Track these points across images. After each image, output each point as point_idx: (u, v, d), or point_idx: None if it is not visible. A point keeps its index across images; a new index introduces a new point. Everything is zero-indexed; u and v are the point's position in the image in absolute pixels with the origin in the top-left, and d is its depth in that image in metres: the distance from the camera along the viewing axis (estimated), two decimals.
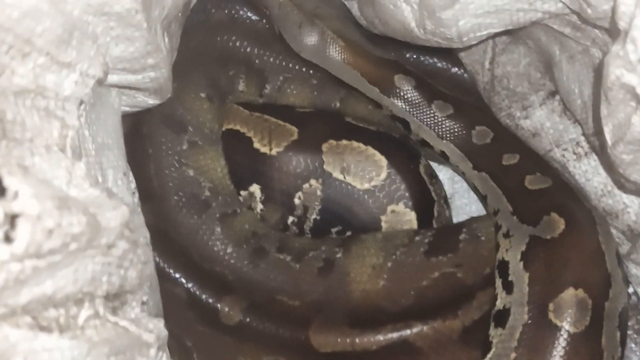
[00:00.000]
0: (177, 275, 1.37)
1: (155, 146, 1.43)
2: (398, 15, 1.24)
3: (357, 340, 1.28)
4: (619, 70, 0.92)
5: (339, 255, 1.38)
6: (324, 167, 1.45)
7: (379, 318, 1.29)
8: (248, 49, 1.50)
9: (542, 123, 1.37)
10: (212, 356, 1.36)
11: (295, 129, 1.48)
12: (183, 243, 1.40)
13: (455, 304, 1.28)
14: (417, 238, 1.37)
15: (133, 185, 1.18)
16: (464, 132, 1.38)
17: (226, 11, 1.50)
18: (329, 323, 1.30)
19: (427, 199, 1.47)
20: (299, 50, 1.41)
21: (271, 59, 1.51)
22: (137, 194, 1.20)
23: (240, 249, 1.40)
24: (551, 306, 1.17)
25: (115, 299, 0.92)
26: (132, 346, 0.89)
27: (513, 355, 1.18)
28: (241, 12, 1.50)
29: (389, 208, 1.44)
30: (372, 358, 1.27)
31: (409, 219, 1.44)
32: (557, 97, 1.34)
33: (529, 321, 1.18)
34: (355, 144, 1.46)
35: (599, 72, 1.13)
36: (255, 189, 1.48)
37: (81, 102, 0.89)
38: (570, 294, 1.17)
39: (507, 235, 1.27)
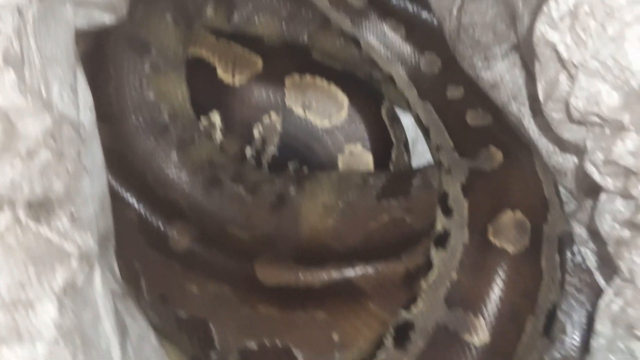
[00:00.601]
0: (130, 198, 1.37)
1: (117, 67, 1.41)
2: None
3: (301, 276, 1.30)
4: (543, 26, 0.93)
5: (292, 191, 1.39)
6: (285, 100, 1.45)
7: (325, 257, 1.30)
8: None
9: (502, 75, 1.36)
10: (159, 280, 1.37)
11: (260, 60, 1.47)
12: (138, 166, 1.40)
13: (400, 249, 1.29)
14: (371, 180, 1.38)
15: (86, 102, 1.17)
16: (413, 56, 1.38)
17: None
18: (275, 257, 1.32)
19: (385, 142, 1.47)
20: None
21: None
22: (92, 113, 1.19)
23: (195, 177, 1.41)
24: (490, 228, 1.20)
25: (41, 208, 0.91)
26: (52, 255, 0.89)
27: (454, 274, 1.21)
28: None
29: (347, 148, 1.45)
30: (314, 295, 1.29)
31: (366, 160, 1.45)
32: (520, 51, 1.34)
33: (469, 242, 1.22)
34: (319, 80, 1.46)
35: None
36: (215, 117, 1.48)
37: (19, 11, 0.88)
38: (508, 216, 1.20)
39: (448, 172, 1.30)
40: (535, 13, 1.20)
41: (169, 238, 1.36)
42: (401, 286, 1.28)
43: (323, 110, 1.44)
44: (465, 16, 1.37)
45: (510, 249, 1.19)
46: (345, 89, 1.45)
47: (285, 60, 1.48)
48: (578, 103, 0.97)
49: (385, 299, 1.28)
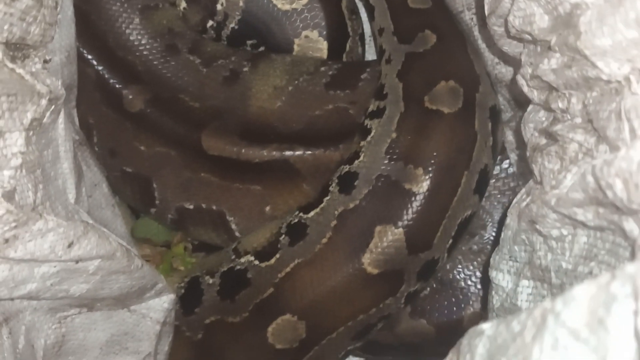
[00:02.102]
0: (90, 57, 1.42)
1: None
2: None
3: (243, 150, 1.37)
4: None
5: (245, 68, 1.44)
6: None
7: (267, 135, 1.37)
8: None
9: None
10: (109, 136, 1.44)
11: None
12: (102, 27, 1.44)
13: (339, 137, 1.37)
14: (322, 69, 1.44)
15: None
16: None
17: None
18: (221, 129, 1.39)
19: (342, 33, 1.52)
20: None
21: None
22: None
23: (154, 42, 1.45)
24: (426, 98, 1.29)
25: (17, 50, 0.97)
26: (24, 92, 0.94)
27: (394, 134, 1.28)
28: None
29: (304, 33, 1.49)
30: (253, 169, 1.37)
31: (321, 47, 1.50)
32: None
33: (405, 110, 1.30)
34: None
35: None
36: None
37: None
38: (442, 85, 1.29)
39: (388, 61, 1.38)
40: None
41: (124, 98, 1.42)
42: (334, 171, 1.35)
43: None
44: None
45: (445, 110, 1.28)
46: None
47: None
48: (515, 21, 1.06)
49: (318, 181, 1.36)
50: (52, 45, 1.13)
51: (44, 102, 0.92)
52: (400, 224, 1.25)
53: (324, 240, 1.27)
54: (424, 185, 1.25)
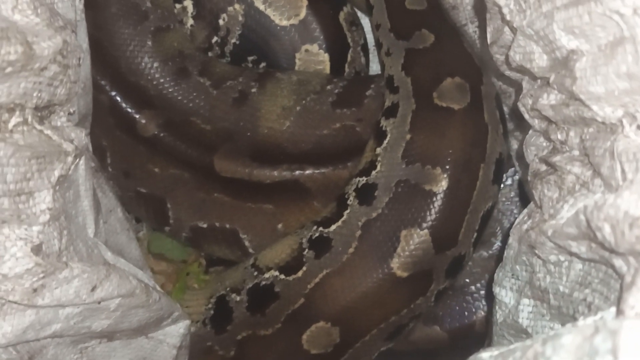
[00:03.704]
0: (103, 83, 1.45)
1: None
2: None
3: (254, 171, 1.41)
4: None
5: (254, 89, 1.47)
6: None
7: (277, 156, 1.41)
8: None
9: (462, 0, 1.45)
10: (124, 159, 1.48)
11: None
12: (114, 53, 1.47)
13: (347, 156, 1.41)
14: (328, 87, 1.47)
15: None
16: None
17: None
18: (233, 152, 1.42)
19: (342, 44, 1.55)
20: None
21: None
22: (81, 3, 1.25)
23: (165, 66, 1.48)
24: (435, 94, 1.33)
25: (44, 110, 1.02)
26: (52, 153, 1.00)
27: (408, 136, 1.32)
28: None
29: (304, 47, 1.52)
30: (264, 189, 1.41)
31: (322, 59, 1.52)
32: None
33: (417, 108, 1.33)
34: None
35: None
36: (188, 3, 1.53)
37: None
38: (449, 82, 1.33)
39: (388, 54, 1.42)
40: None
41: (137, 123, 1.45)
42: (344, 188, 1.39)
43: (283, 8, 1.50)
44: None
45: (455, 106, 1.31)
46: None
47: None
48: (515, 56, 1.10)
49: (328, 199, 1.40)
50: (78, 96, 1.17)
51: (69, 159, 0.98)
52: (424, 225, 1.28)
53: (351, 250, 1.31)
54: (444, 184, 1.28)
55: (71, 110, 1.04)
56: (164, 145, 1.45)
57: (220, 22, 1.53)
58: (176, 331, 1.20)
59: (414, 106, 1.33)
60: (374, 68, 1.64)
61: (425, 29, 1.39)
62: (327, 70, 1.53)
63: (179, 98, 1.47)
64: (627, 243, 0.82)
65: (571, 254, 1.03)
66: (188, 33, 1.54)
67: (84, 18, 1.25)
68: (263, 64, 1.54)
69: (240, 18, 1.52)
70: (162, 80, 1.48)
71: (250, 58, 1.55)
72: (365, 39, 1.60)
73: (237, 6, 1.52)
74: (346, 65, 1.55)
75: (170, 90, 1.47)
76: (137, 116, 1.46)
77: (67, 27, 1.03)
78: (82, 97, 1.24)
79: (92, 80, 1.32)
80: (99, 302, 0.98)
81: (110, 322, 1.04)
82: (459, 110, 1.31)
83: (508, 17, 1.06)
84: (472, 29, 1.46)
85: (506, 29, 1.13)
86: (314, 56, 1.52)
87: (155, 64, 1.48)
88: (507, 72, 1.24)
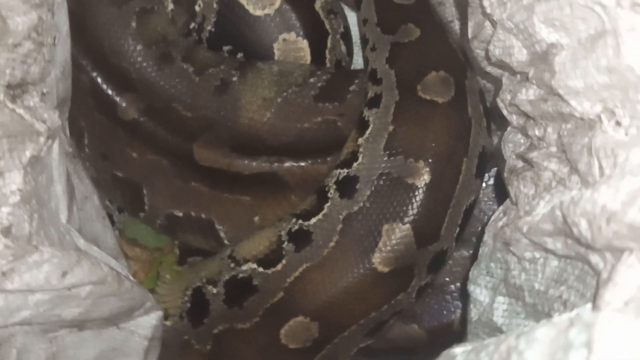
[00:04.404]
0: (84, 63, 1.43)
1: None
2: None
3: (233, 162, 1.40)
4: None
5: (234, 78, 1.46)
6: None
7: (257, 148, 1.40)
8: None
9: None
10: (102, 141, 1.46)
11: None
12: (97, 33, 1.45)
13: (328, 150, 1.40)
14: (311, 80, 1.46)
15: None
16: None
17: None
18: (213, 141, 1.41)
19: (320, 31, 1.53)
20: None
21: None
22: None
23: (149, 50, 1.46)
24: (419, 87, 1.32)
25: (17, 88, 1.00)
26: (23, 132, 0.98)
27: (391, 127, 1.31)
28: None
29: (281, 37, 1.50)
30: (243, 180, 1.40)
31: (301, 46, 1.51)
32: None
33: (400, 99, 1.32)
34: None
35: None
36: None
37: None
38: (433, 75, 1.33)
39: (373, 49, 1.41)
40: None
41: (117, 106, 1.44)
42: (323, 181, 1.38)
43: None
44: None
45: (439, 99, 1.30)
46: None
47: None
48: (495, 51, 1.09)
49: (306, 193, 1.39)
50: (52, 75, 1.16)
51: (42, 139, 0.96)
52: (406, 219, 1.27)
53: (332, 244, 1.29)
54: (426, 177, 1.27)
55: (44, 91, 1.02)
56: (144, 130, 1.44)
57: (197, 8, 1.52)
58: (148, 322, 1.19)
59: (397, 97, 1.33)
60: (359, 62, 1.63)
61: (411, 23, 1.39)
62: (308, 58, 1.51)
63: (161, 83, 1.46)
64: (603, 238, 0.82)
65: (547, 250, 1.03)
66: (170, 17, 1.52)
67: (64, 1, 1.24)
68: (240, 55, 1.53)
69: (214, 5, 1.50)
70: (144, 64, 1.46)
71: (225, 48, 1.53)
72: (345, 27, 1.59)
73: None
74: (326, 52, 1.54)
75: (152, 74, 1.46)
76: (118, 99, 1.44)
77: (44, 5, 1.01)
78: (61, 81, 1.23)
79: (73, 60, 1.31)
80: (70, 289, 0.97)
81: (81, 310, 1.03)
82: (443, 103, 1.30)
83: (488, 10, 1.06)
84: (457, 26, 1.47)
85: (487, 23, 1.13)
86: (293, 44, 1.50)
87: (139, 47, 1.46)
88: (488, 68, 1.23)
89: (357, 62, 1.63)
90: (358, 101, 1.42)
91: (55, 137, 1.05)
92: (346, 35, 1.59)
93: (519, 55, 1.05)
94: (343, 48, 1.57)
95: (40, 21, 0.97)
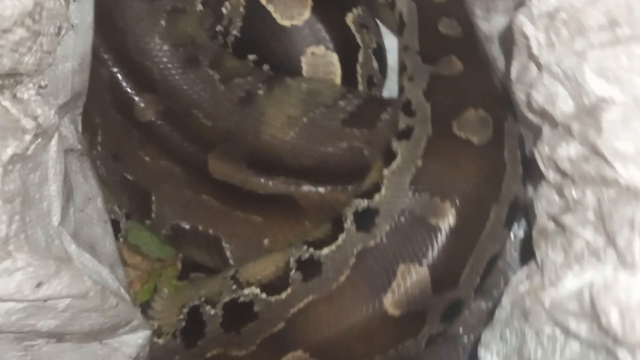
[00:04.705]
0: (106, 57, 1.38)
1: None
2: None
3: (248, 179, 1.34)
4: (523, 17, 0.96)
5: (260, 91, 1.40)
6: None
7: (275, 167, 1.34)
8: None
9: (499, 31, 1.34)
10: (115, 140, 1.41)
11: None
12: (123, 27, 1.40)
13: (349, 178, 1.32)
14: (341, 103, 1.40)
15: None
16: None
17: None
18: (229, 154, 1.35)
19: (351, 44, 1.47)
20: None
21: None
22: None
23: (176, 51, 1.41)
24: (455, 123, 1.25)
25: (7, 78, 0.93)
26: (7, 127, 0.91)
27: (419, 162, 1.24)
28: None
29: (309, 50, 1.44)
30: (256, 199, 1.34)
31: (331, 61, 1.45)
32: None
33: (433, 134, 1.25)
34: None
35: None
36: None
37: None
38: (471, 113, 1.25)
39: (411, 79, 1.34)
40: None
41: (135, 106, 1.38)
42: (340, 209, 1.30)
43: (285, 6, 1.43)
44: None
45: (474, 139, 1.23)
46: None
47: None
48: (538, 97, 1.00)
49: (321, 219, 1.32)
50: (64, 52, 1.10)
51: (27, 137, 0.89)
52: (425, 262, 1.20)
53: (342, 278, 1.23)
54: (451, 219, 1.20)
55: (42, 84, 0.95)
56: (159, 134, 1.38)
57: (224, 10, 1.46)
58: (134, 340, 1.12)
59: (430, 132, 1.26)
60: (393, 88, 1.56)
61: (454, 56, 1.32)
62: (338, 73, 1.45)
63: (184, 87, 1.40)
64: (636, 336, 0.72)
65: (569, 331, 0.94)
66: (199, 17, 1.48)
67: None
68: (266, 67, 1.47)
69: (241, 10, 1.45)
70: (169, 65, 1.41)
71: (251, 57, 1.48)
72: (379, 43, 1.53)
73: None
74: (357, 67, 1.48)
75: (176, 77, 1.41)
76: (137, 98, 1.39)
77: None
78: (78, 74, 1.18)
79: (94, 52, 1.26)
80: (45, 300, 0.90)
81: (58, 322, 0.96)
82: (479, 145, 1.24)
83: (535, 51, 0.97)
84: (502, 64, 1.38)
85: (532, 65, 1.04)
86: (322, 58, 1.45)
87: (165, 47, 1.41)
88: (528, 114, 1.15)
89: (391, 87, 1.57)
90: (388, 131, 1.35)
91: (52, 134, 0.98)
92: (379, 51, 1.53)
93: (564, 105, 0.96)
94: (375, 64, 1.51)
95: (38, 7, 0.90)
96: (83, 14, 1.17)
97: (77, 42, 1.15)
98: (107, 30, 1.37)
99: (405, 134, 1.29)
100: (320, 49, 1.43)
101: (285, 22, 1.43)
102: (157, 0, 1.41)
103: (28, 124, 0.91)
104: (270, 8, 1.43)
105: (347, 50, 1.46)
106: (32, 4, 0.88)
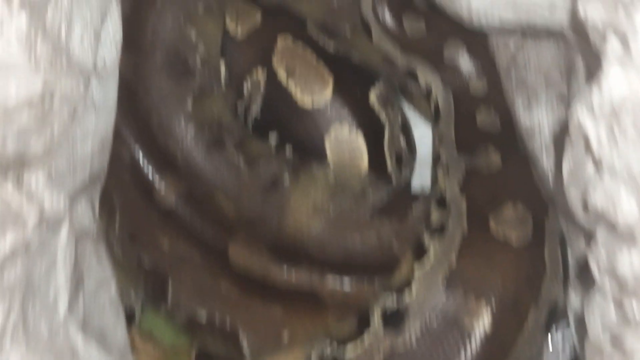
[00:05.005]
0: (128, 137, 1.34)
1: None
2: None
3: (270, 268, 1.29)
4: (582, 109, 0.90)
5: (286, 179, 1.36)
6: (272, 58, 1.40)
7: (299, 258, 1.29)
8: None
9: (541, 122, 1.30)
10: (133, 221, 1.36)
11: (259, 13, 1.43)
12: (147, 105, 1.36)
13: (376, 272, 1.27)
14: (370, 194, 1.35)
15: (113, 38, 1.12)
16: (435, 46, 1.35)
17: None
18: (251, 242, 1.31)
19: (376, 124, 1.42)
20: None
21: None
22: (117, 50, 1.12)
23: (201, 132, 1.37)
24: (492, 218, 1.19)
25: (12, 166, 0.89)
26: (6, 216, 0.87)
27: (454, 261, 1.18)
28: None
29: (333, 130, 1.40)
30: (277, 289, 1.29)
31: (357, 144, 1.40)
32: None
33: (469, 232, 1.20)
34: (309, 52, 1.41)
35: None
36: (221, 66, 1.44)
37: None
38: (509, 208, 1.20)
39: (446, 173, 1.29)
40: (591, 71, 1.16)
41: (155, 189, 1.34)
42: (366, 304, 1.24)
43: (306, 84, 1.39)
44: (522, 54, 1.32)
45: (513, 239, 1.18)
46: (332, 70, 1.40)
47: (284, 20, 1.44)
48: (596, 197, 0.92)
49: (344, 314, 1.26)
50: (84, 131, 1.06)
51: (30, 226, 0.84)
52: None
53: None
54: (485, 320, 1.15)
55: (52, 168, 0.90)
56: (180, 217, 1.34)
57: (244, 88, 1.43)
58: None
59: (465, 229, 1.20)
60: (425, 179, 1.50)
61: (493, 151, 1.27)
62: (365, 154, 1.40)
63: (208, 169, 1.36)
64: None
65: None
66: (223, 97, 1.44)
67: (116, 70, 1.14)
68: (289, 146, 1.42)
69: (262, 88, 1.42)
70: (194, 146, 1.36)
71: (272, 136, 1.43)
72: (404, 119, 1.48)
73: (260, 70, 1.41)
74: (384, 146, 1.42)
75: (200, 159, 1.36)
76: (157, 179, 1.34)
77: (61, 72, 0.89)
78: (97, 156, 1.13)
79: (116, 130, 1.21)
80: None
81: None
82: (518, 245, 1.18)
83: (594, 147, 0.90)
84: (546, 160, 1.31)
85: (589, 162, 0.96)
86: (347, 140, 1.40)
87: (190, 127, 1.37)
88: (580, 215, 1.06)
89: (424, 177, 1.50)
90: (419, 224, 1.29)
91: (61, 220, 0.93)
92: (405, 128, 1.48)
93: (627, 207, 0.88)
94: (403, 141, 1.46)
95: (49, 90, 0.85)
96: (106, 93, 1.12)
97: (98, 122, 1.10)
98: (130, 108, 1.33)
99: (439, 229, 1.23)
100: (344, 130, 1.39)
101: (307, 103, 1.39)
102: (185, 79, 1.38)
103: (31, 212, 0.85)
104: (291, 86, 1.39)
105: (372, 129, 1.41)
106: (40, 87, 0.84)
